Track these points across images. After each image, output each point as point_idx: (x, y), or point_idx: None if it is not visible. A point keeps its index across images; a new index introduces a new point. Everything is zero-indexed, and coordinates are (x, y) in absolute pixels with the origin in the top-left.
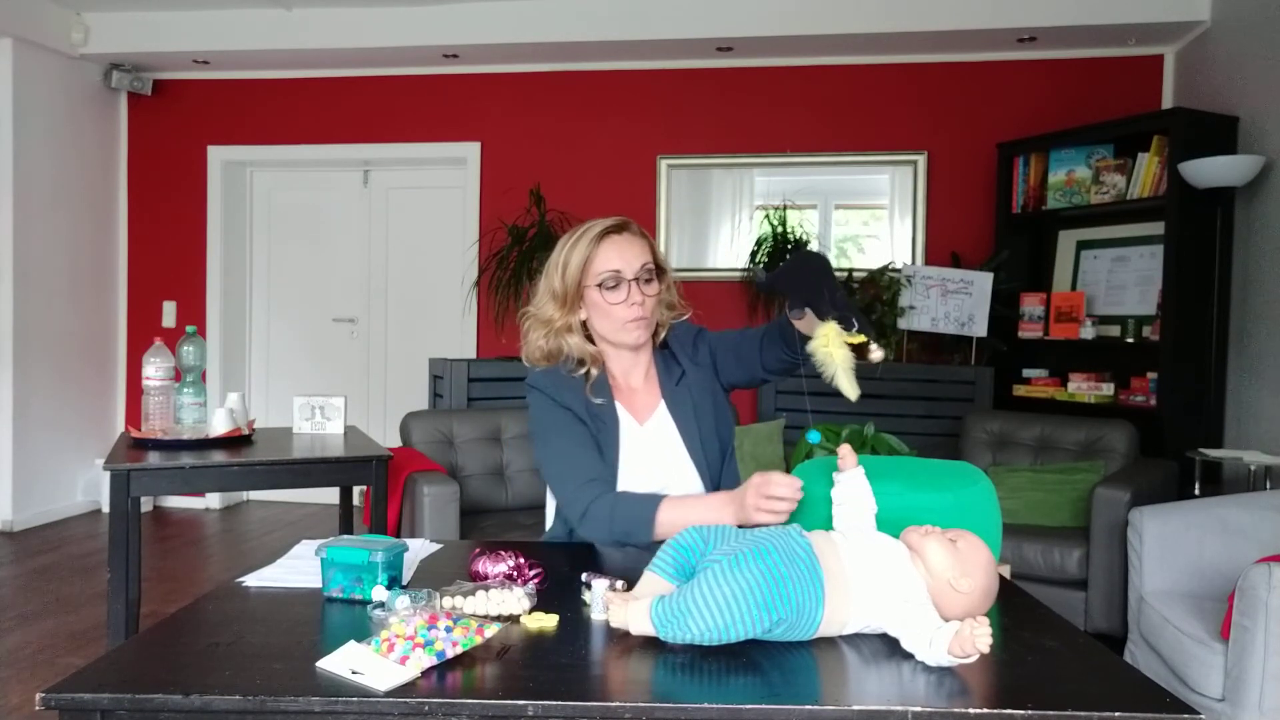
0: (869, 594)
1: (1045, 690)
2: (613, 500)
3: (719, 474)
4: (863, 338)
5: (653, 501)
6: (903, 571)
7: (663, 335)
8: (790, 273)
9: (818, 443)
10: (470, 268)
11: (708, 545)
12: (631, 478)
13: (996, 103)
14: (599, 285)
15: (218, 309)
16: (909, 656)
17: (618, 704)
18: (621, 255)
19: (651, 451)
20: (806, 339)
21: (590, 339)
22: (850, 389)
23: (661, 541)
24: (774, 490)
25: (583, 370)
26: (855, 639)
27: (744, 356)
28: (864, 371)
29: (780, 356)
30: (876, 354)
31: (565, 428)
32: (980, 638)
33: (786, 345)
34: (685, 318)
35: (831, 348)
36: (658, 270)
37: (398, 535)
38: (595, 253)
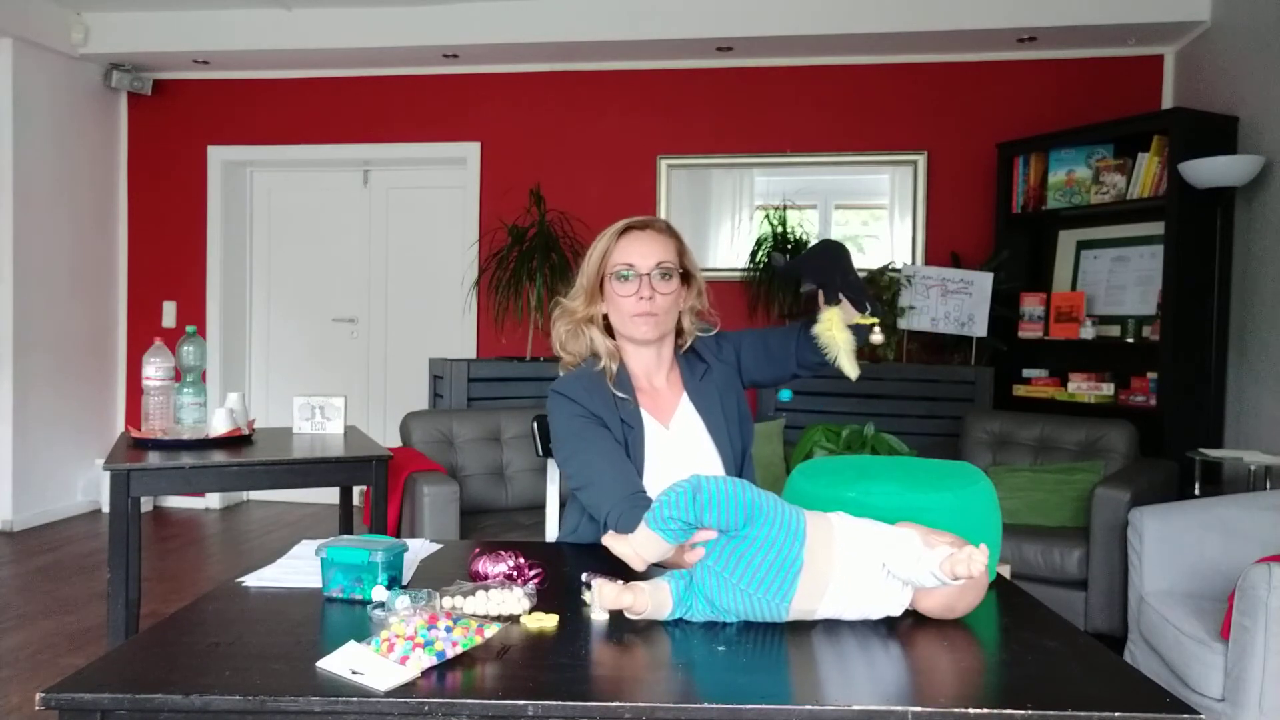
0: (851, 530)
1: (1045, 690)
2: (619, 515)
3: (739, 473)
4: (875, 320)
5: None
6: (888, 530)
7: (688, 343)
8: (809, 258)
9: (788, 400)
10: (470, 268)
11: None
12: (657, 482)
13: (996, 103)
14: (614, 276)
15: (218, 309)
16: (908, 657)
17: (617, 704)
18: (639, 250)
19: (676, 453)
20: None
21: (611, 334)
22: (851, 369)
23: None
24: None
25: (600, 365)
26: (854, 637)
27: (775, 352)
28: (867, 372)
29: (818, 350)
30: (877, 336)
31: (594, 439)
32: (975, 561)
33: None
34: (712, 332)
35: (835, 331)
36: (684, 274)
37: (398, 535)
38: (615, 246)
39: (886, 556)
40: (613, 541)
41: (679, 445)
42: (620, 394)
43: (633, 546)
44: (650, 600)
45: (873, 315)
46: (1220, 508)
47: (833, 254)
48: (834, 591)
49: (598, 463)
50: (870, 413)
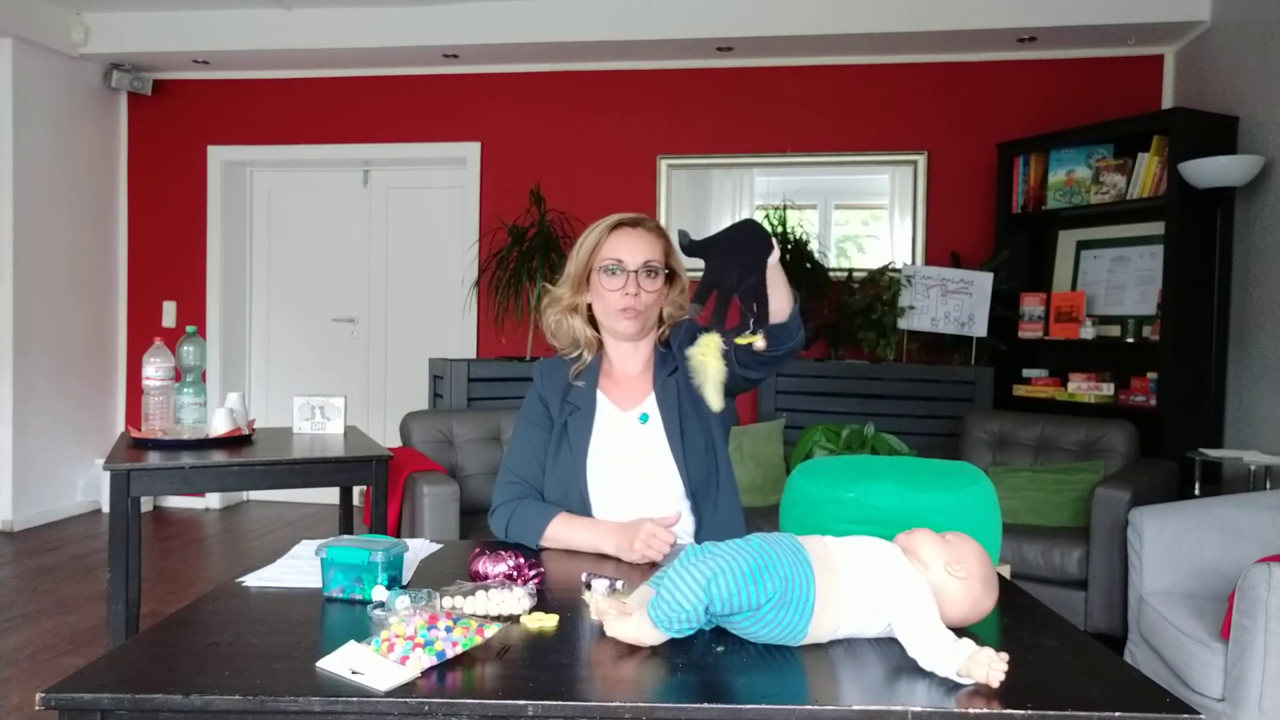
0: (862, 581)
1: (1045, 690)
2: (516, 505)
3: (702, 473)
4: (760, 341)
5: (549, 514)
6: (899, 565)
7: (666, 333)
8: (722, 241)
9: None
10: (470, 268)
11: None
12: (604, 465)
13: (996, 103)
14: (602, 270)
15: (218, 309)
16: (909, 657)
17: (617, 704)
18: (628, 247)
19: (630, 439)
20: (779, 327)
21: (595, 324)
22: (716, 401)
23: (546, 549)
24: (661, 536)
25: (576, 353)
26: (853, 639)
27: (728, 354)
28: (867, 372)
29: (754, 356)
30: (760, 343)
31: (528, 426)
32: (995, 672)
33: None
34: (685, 316)
35: (708, 357)
36: (670, 272)
37: (398, 535)
38: (605, 240)
39: (896, 622)
40: (614, 628)
41: (633, 432)
42: (578, 382)
43: (636, 632)
44: (656, 638)
45: (752, 334)
46: (1220, 508)
47: (748, 244)
48: (839, 637)
49: (516, 454)
50: (870, 413)
